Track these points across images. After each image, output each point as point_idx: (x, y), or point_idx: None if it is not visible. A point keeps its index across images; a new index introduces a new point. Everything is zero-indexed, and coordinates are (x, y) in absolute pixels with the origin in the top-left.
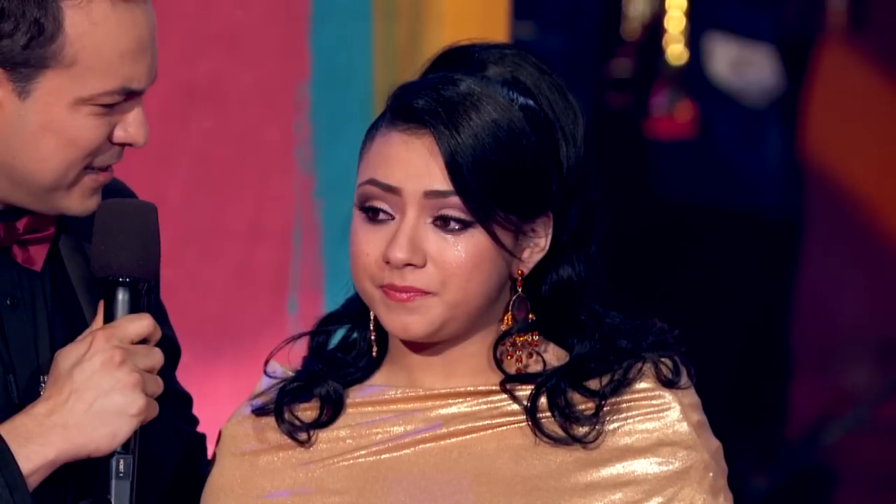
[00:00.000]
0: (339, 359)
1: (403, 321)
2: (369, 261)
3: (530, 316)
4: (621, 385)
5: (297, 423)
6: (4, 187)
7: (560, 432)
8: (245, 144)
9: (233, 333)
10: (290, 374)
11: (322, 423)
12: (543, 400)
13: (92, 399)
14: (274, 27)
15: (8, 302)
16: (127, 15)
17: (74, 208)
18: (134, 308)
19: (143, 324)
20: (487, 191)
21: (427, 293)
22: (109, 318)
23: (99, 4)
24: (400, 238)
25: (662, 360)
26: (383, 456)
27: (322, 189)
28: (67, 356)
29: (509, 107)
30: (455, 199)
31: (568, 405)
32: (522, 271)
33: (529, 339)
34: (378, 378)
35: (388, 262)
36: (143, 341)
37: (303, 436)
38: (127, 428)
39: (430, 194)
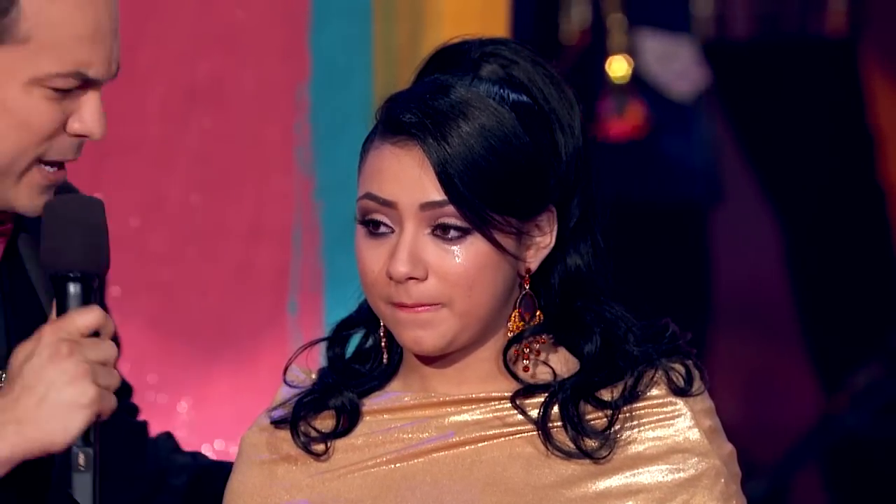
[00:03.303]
0: (355, 370)
1: (415, 336)
2: (375, 277)
3: (538, 314)
4: (633, 396)
5: (313, 434)
6: None
7: (571, 446)
8: (245, 144)
9: (233, 333)
10: (312, 377)
11: (339, 433)
12: (555, 411)
13: (42, 393)
14: (274, 27)
15: None
16: None
17: (22, 204)
18: (85, 302)
19: (91, 316)
20: (482, 197)
21: (436, 305)
22: (62, 313)
23: None
24: (400, 252)
25: (674, 366)
26: (397, 465)
27: (322, 190)
28: (19, 353)
29: (500, 109)
30: (451, 208)
31: (579, 418)
32: (529, 269)
33: (539, 343)
34: (395, 384)
35: (391, 278)
36: (97, 336)
37: (319, 448)
38: (80, 419)
39: (426, 206)
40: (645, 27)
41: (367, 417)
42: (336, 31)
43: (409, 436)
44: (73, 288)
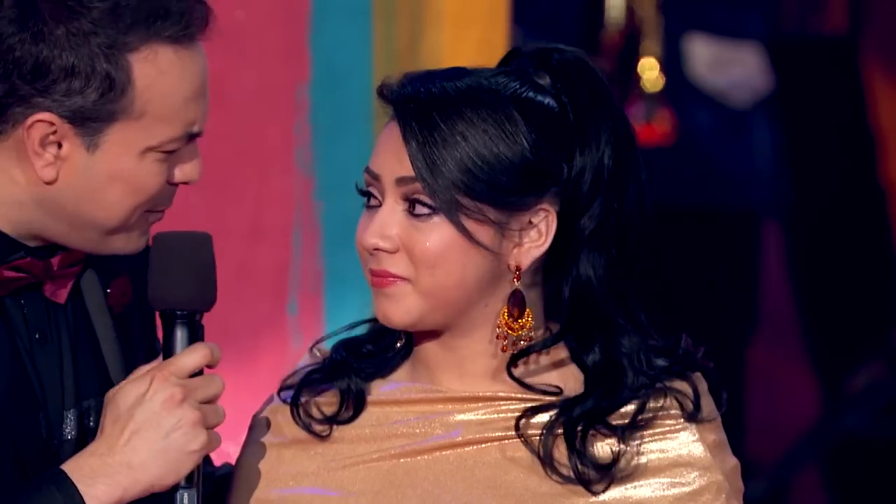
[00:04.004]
0: (367, 350)
1: (383, 308)
2: (359, 247)
3: (527, 313)
4: (639, 425)
5: (315, 414)
6: (61, 231)
7: (571, 474)
8: (245, 144)
9: (233, 333)
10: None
11: (342, 419)
12: (558, 430)
13: (154, 439)
14: (274, 28)
15: (37, 336)
16: (188, 60)
17: (129, 248)
18: (192, 340)
19: (198, 356)
20: (450, 179)
21: (402, 279)
22: (168, 351)
23: (164, 54)
24: (372, 224)
25: (682, 390)
26: (401, 460)
27: (322, 190)
28: (127, 395)
29: (505, 102)
30: (420, 185)
31: (584, 448)
32: (519, 266)
33: (546, 354)
34: (401, 373)
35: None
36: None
37: (320, 428)
38: (189, 464)
39: (400, 181)
40: (698, 31)
41: (375, 408)
42: (336, 31)
43: (416, 431)
44: (180, 328)
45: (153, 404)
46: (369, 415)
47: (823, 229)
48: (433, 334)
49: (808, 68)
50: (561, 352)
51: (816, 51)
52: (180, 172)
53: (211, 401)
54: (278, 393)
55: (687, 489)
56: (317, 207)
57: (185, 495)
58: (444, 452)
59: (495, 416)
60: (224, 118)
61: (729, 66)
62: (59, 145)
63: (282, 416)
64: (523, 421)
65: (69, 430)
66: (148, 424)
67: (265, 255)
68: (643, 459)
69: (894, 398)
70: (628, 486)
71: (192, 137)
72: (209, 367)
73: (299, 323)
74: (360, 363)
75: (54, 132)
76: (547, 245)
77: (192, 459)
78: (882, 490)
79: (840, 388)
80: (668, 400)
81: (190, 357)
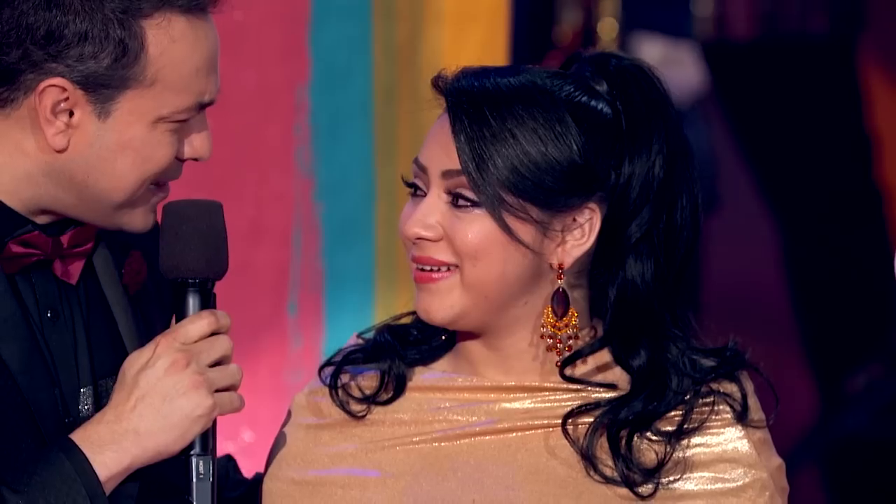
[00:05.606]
0: (412, 337)
1: (426, 304)
2: (402, 237)
3: (571, 312)
4: (686, 431)
5: (354, 394)
6: (70, 203)
7: (615, 475)
8: (245, 145)
9: (233, 333)
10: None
11: (381, 401)
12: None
13: (159, 405)
14: (274, 28)
15: (49, 315)
16: (200, 31)
17: (136, 224)
18: (205, 308)
19: (203, 323)
20: (496, 175)
21: (449, 266)
22: (181, 319)
23: (177, 22)
24: (416, 213)
25: (730, 393)
26: (442, 444)
27: (322, 190)
28: (133, 362)
29: (557, 104)
30: (465, 179)
31: (629, 452)
32: (562, 264)
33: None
34: (443, 364)
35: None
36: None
37: (357, 408)
38: (196, 429)
39: (446, 174)
40: (644, 31)
41: (417, 394)
42: (336, 31)
43: (459, 418)
44: (192, 296)
45: (157, 370)
46: (410, 400)
47: (822, 230)
48: (475, 334)
49: (805, 68)
50: (605, 355)
51: (813, 51)
52: (190, 148)
53: (220, 363)
54: (319, 373)
55: (731, 485)
56: (317, 207)
57: (200, 462)
58: (486, 437)
59: (541, 405)
60: (224, 118)
61: (671, 65)
62: (71, 113)
63: (321, 397)
64: (569, 416)
65: (85, 408)
66: (153, 391)
67: (265, 255)
68: (688, 452)
69: (894, 398)
70: (672, 478)
71: (202, 107)
72: (220, 333)
73: (299, 323)
74: (404, 348)
75: (66, 98)
76: (590, 244)
77: (199, 424)
78: (882, 490)
79: (840, 388)
80: (715, 402)
81: (195, 323)
